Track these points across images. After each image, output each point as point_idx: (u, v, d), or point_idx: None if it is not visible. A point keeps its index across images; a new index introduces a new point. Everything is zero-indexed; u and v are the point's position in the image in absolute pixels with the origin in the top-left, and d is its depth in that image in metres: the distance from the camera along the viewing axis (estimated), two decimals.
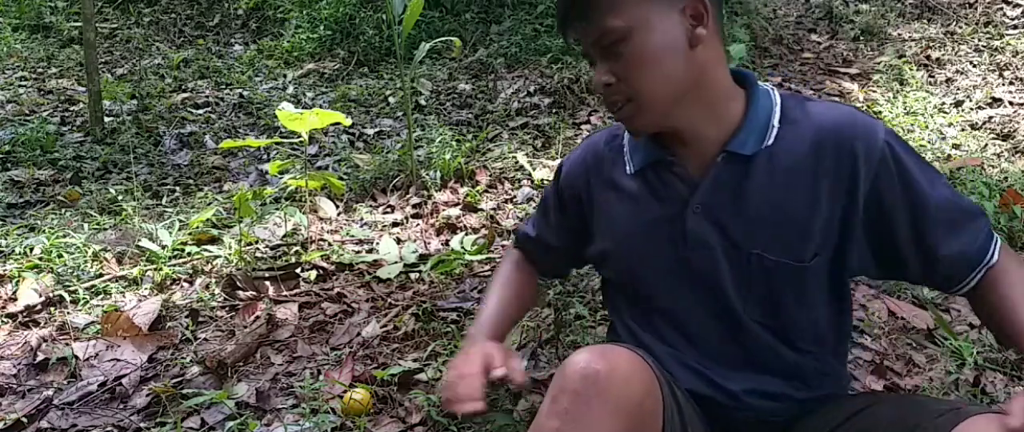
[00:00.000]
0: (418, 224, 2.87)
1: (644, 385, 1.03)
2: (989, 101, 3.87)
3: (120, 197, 3.15)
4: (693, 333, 1.21)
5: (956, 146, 3.36)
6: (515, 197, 3.05)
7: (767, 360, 1.18)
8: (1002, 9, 5.00)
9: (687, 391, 1.19)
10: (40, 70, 5.32)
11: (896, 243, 1.12)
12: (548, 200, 1.42)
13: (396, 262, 2.50)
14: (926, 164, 1.12)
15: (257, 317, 2.26)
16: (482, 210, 2.92)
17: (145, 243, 2.61)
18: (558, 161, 3.29)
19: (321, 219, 2.92)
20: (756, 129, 1.12)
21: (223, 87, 5.02)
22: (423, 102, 4.37)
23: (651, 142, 1.20)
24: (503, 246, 2.59)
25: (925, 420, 0.99)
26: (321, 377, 1.92)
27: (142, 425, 1.79)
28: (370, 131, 4.17)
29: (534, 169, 3.20)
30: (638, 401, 1.01)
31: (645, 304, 1.25)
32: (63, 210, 3.16)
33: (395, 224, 2.89)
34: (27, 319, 2.25)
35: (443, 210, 2.91)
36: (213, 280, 2.45)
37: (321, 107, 4.05)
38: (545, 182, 3.10)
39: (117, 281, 2.46)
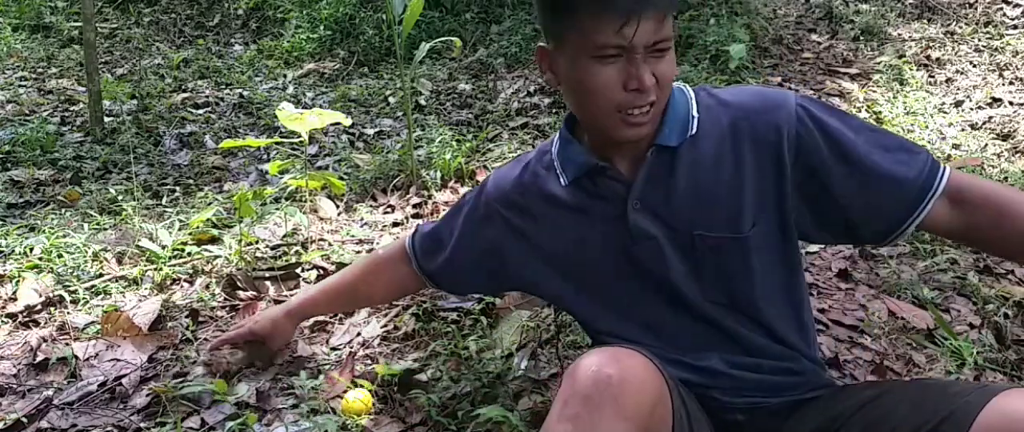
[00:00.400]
0: (418, 224, 2.87)
1: (656, 391, 1.03)
2: (989, 101, 3.87)
3: (120, 197, 3.15)
4: (656, 325, 1.25)
5: (956, 146, 3.36)
6: None
7: (733, 337, 1.22)
8: (1002, 9, 5.00)
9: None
10: (40, 70, 5.32)
11: (833, 196, 1.14)
12: (465, 208, 1.45)
13: None
14: (850, 117, 1.16)
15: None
16: None
17: (145, 243, 2.61)
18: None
19: (321, 219, 2.92)
20: (677, 121, 1.19)
21: (223, 87, 5.02)
22: (423, 102, 4.37)
23: (580, 152, 1.25)
24: None
25: (952, 403, 0.98)
26: (321, 377, 1.92)
27: (142, 425, 1.79)
28: (370, 131, 4.17)
29: None
30: (650, 407, 1.01)
31: (606, 311, 1.28)
32: (63, 210, 3.16)
33: (395, 224, 2.89)
34: (27, 319, 2.25)
35: (443, 210, 2.91)
36: (213, 280, 2.45)
37: (321, 107, 4.05)
38: None
39: (117, 281, 2.46)
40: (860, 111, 3.77)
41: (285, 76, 5.16)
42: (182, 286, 2.47)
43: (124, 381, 1.94)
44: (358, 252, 2.65)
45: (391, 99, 4.63)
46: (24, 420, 1.81)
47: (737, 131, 1.17)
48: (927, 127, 3.55)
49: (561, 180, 1.27)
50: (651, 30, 1.07)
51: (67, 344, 2.09)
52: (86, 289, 2.40)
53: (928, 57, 4.44)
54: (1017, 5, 4.98)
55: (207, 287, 2.42)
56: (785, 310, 1.23)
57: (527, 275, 1.36)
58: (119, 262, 2.59)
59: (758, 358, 1.22)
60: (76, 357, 2.03)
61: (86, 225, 2.89)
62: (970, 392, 0.99)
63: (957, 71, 4.26)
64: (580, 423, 0.97)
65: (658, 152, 1.19)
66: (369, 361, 2.01)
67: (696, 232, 1.18)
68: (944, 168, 1.14)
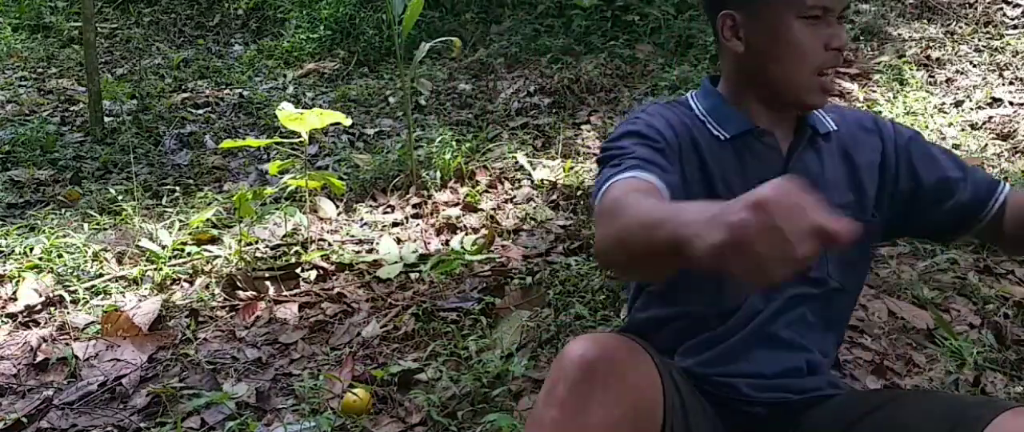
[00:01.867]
0: (418, 224, 2.87)
1: (643, 373, 1.02)
2: (989, 101, 3.86)
3: (120, 197, 3.15)
4: (730, 299, 1.23)
5: (956, 146, 3.35)
6: (515, 197, 3.05)
7: (799, 335, 1.24)
8: (1002, 9, 5.00)
9: (697, 372, 1.19)
10: (40, 70, 5.32)
11: (923, 200, 1.26)
12: (642, 134, 1.19)
13: (396, 262, 2.50)
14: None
15: (258, 317, 2.26)
16: (482, 210, 2.92)
17: (145, 243, 2.61)
18: (560, 160, 3.30)
19: (321, 219, 2.92)
20: (818, 112, 1.26)
21: (223, 87, 5.02)
22: (423, 102, 4.36)
23: (739, 115, 1.25)
24: (503, 246, 2.59)
25: (962, 414, 0.99)
26: (321, 377, 1.92)
27: (142, 425, 1.79)
28: (370, 131, 4.17)
29: (534, 169, 3.20)
30: (636, 389, 1.01)
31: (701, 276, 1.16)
32: (63, 210, 3.16)
33: (395, 224, 2.89)
34: (27, 319, 2.25)
35: (443, 210, 2.91)
36: (213, 280, 2.45)
37: (321, 107, 4.04)
38: (545, 182, 3.10)
39: (117, 281, 2.46)
40: None
41: (285, 76, 5.16)
42: (182, 286, 2.47)
43: (124, 381, 1.94)
44: (358, 252, 2.66)
45: (391, 99, 4.63)
46: (24, 420, 1.80)
47: (857, 137, 1.27)
48: (927, 127, 3.55)
49: (718, 134, 1.24)
50: None
51: (67, 344, 2.09)
52: (86, 289, 2.40)
53: (928, 57, 4.44)
54: (1017, 5, 4.98)
55: (207, 287, 2.42)
56: (849, 313, 1.34)
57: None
58: (119, 262, 2.59)
59: (801, 353, 1.24)
60: (76, 357, 2.03)
61: (86, 225, 2.88)
62: (981, 406, 1.00)
63: (957, 71, 4.26)
64: (567, 408, 0.97)
65: (812, 134, 1.25)
66: (369, 361, 2.01)
67: (837, 205, 1.21)
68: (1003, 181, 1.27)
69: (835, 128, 1.27)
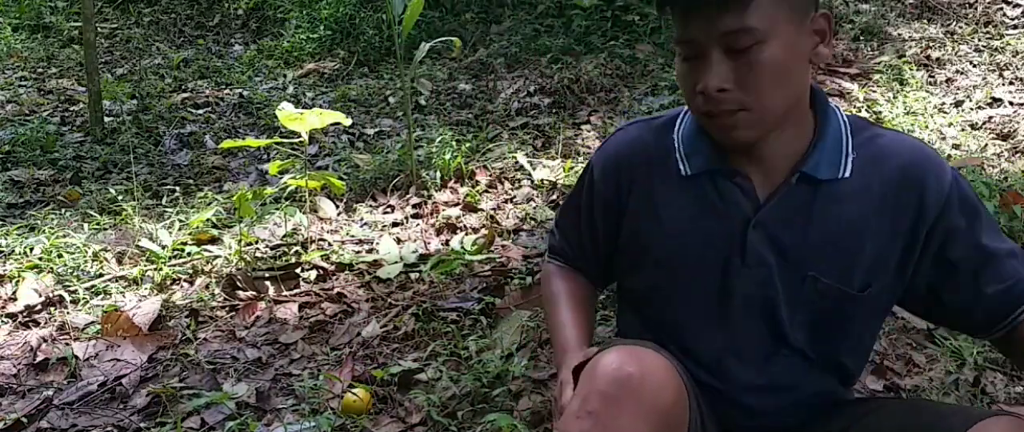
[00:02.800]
0: (418, 224, 2.87)
1: (675, 392, 1.01)
2: (989, 101, 3.87)
3: (120, 197, 3.15)
4: (723, 349, 1.16)
5: (956, 146, 3.35)
6: (515, 197, 3.05)
7: (793, 382, 1.16)
8: (1002, 9, 5.00)
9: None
10: (40, 70, 5.32)
11: (944, 281, 1.10)
12: (580, 200, 1.28)
13: (396, 262, 2.50)
14: (985, 208, 1.11)
15: (258, 317, 2.26)
16: (482, 210, 2.92)
17: (145, 243, 2.61)
18: (560, 160, 3.30)
19: (321, 219, 2.92)
20: (828, 152, 1.08)
21: (223, 87, 5.02)
22: (423, 102, 4.36)
23: (712, 148, 1.12)
24: (503, 246, 2.59)
25: (935, 422, 0.99)
26: (321, 377, 1.92)
27: (142, 425, 1.79)
28: (370, 131, 4.17)
29: (534, 169, 3.20)
30: (668, 408, 0.99)
31: (672, 319, 1.19)
32: (63, 210, 3.16)
33: (395, 224, 2.89)
34: (27, 319, 2.25)
35: (443, 210, 2.91)
36: (213, 280, 2.45)
37: (321, 107, 4.05)
38: (545, 182, 3.10)
39: (117, 281, 2.46)
40: (860, 111, 3.77)
41: (285, 76, 5.16)
42: (182, 286, 2.47)
43: (124, 381, 1.94)
44: (358, 252, 2.66)
45: (391, 99, 4.63)
46: (24, 420, 1.81)
47: (889, 185, 1.08)
48: (927, 127, 3.55)
49: (681, 169, 1.14)
50: (720, 23, 0.98)
51: (67, 344, 2.09)
52: (86, 289, 2.40)
53: (928, 57, 4.44)
54: (1017, 5, 4.98)
55: (207, 287, 2.42)
56: (861, 359, 1.20)
57: (636, 253, 1.23)
58: (119, 262, 2.59)
59: (797, 393, 1.17)
60: (76, 357, 2.03)
61: (86, 225, 2.88)
62: (955, 414, 0.98)
63: (957, 71, 4.26)
64: (599, 420, 0.96)
65: (802, 180, 1.08)
66: (369, 361, 2.01)
67: (810, 273, 1.09)
68: None
69: (847, 174, 1.08)
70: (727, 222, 1.12)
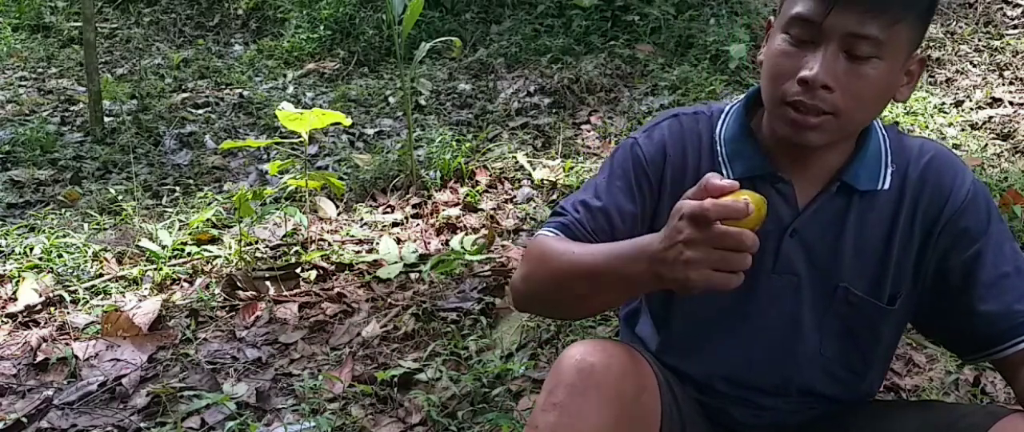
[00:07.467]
0: (418, 224, 2.87)
1: (640, 380, 1.02)
2: (989, 101, 3.86)
3: (120, 197, 3.15)
4: (744, 356, 1.14)
5: (956, 146, 3.35)
6: (515, 197, 3.05)
7: (811, 388, 1.16)
8: (1002, 9, 5.00)
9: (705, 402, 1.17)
10: (40, 70, 5.32)
11: (942, 287, 1.09)
12: (611, 177, 1.16)
13: (396, 262, 2.50)
14: (1004, 224, 1.10)
15: (258, 317, 2.26)
16: (482, 210, 2.92)
17: (145, 243, 2.61)
18: (560, 160, 3.30)
19: (321, 219, 2.92)
20: (868, 163, 1.08)
21: (223, 87, 5.02)
22: (423, 102, 4.36)
23: (756, 152, 1.09)
24: (503, 246, 2.59)
25: (956, 422, 0.99)
26: (321, 377, 1.92)
27: (142, 425, 1.79)
28: (370, 131, 4.17)
29: (534, 169, 3.20)
30: (634, 396, 1.01)
31: (691, 320, 1.16)
32: (63, 210, 3.16)
33: (395, 224, 2.89)
34: (27, 319, 2.25)
35: (443, 210, 2.91)
36: (213, 280, 2.45)
37: (321, 107, 4.04)
38: (545, 182, 3.10)
39: (117, 281, 2.46)
40: None
41: (285, 76, 5.15)
42: (182, 286, 2.47)
43: (124, 381, 1.94)
44: (358, 252, 2.66)
45: (391, 99, 4.63)
46: (24, 420, 1.81)
47: (919, 194, 1.08)
48: (927, 127, 3.55)
49: (724, 171, 1.10)
50: (861, 21, 0.94)
51: (67, 344, 2.09)
52: (86, 289, 2.40)
53: (928, 57, 4.44)
54: (1017, 5, 4.98)
55: (207, 287, 2.42)
56: (882, 367, 1.20)
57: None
58: (119, 262, 2.59)
59: (813, 399, 1.16)
60: (76, 357, 2.03)
61: (86, 225, 2.88)
62: (976, 413, 0.99)
63: (957, 71, 4.26)
64: (564, 411, 0.97)
65: (842, 189, 1.07)
66: (369, 361, 2.01)
67: (842, 283, 1.09)
68: None
69: (886, 186, 1.07)
70: (769, 227, 1.07)
